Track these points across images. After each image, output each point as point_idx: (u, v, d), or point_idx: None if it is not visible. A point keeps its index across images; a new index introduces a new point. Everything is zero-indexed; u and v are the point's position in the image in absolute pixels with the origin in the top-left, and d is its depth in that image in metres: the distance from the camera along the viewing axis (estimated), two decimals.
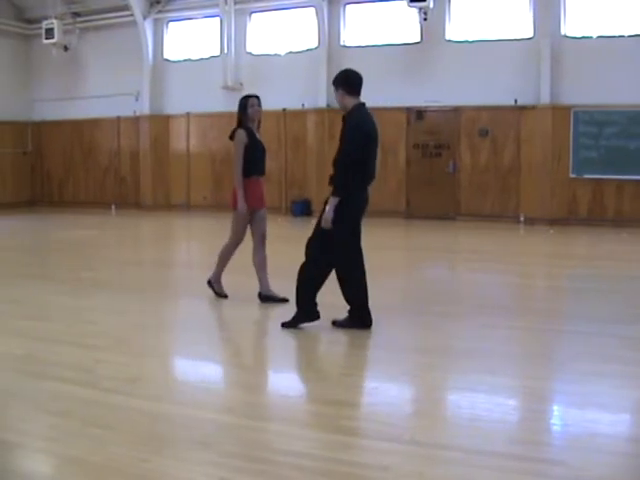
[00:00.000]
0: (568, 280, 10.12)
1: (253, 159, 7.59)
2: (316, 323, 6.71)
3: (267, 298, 7.67)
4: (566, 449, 4.06)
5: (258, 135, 7.75)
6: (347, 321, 6.70)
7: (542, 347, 6.25)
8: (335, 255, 6.58)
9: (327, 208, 6.40)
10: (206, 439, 4.14)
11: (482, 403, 4.78)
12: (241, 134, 7.53)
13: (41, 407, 4.66)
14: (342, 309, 6.70)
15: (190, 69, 19.31)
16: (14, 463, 3.97)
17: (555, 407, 4.95)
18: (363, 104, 6.59)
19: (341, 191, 6.36)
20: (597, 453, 3.94)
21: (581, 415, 4.56)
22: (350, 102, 6.54)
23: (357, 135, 6.41)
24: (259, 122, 7.79)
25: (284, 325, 6.67)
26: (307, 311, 6.65)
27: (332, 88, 6.77)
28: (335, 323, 6.72)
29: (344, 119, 6.55)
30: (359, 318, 6.67)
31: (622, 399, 4.85)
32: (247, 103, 7.60)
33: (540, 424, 4.48)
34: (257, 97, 7.73)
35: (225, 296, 7.89)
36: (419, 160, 16.97)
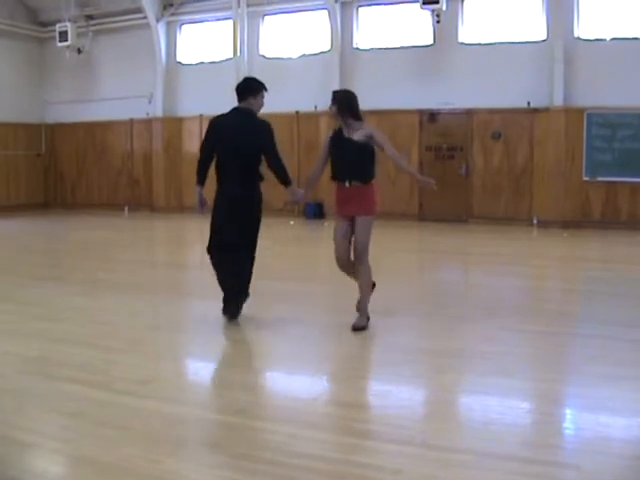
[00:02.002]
0: (582, 283, 10.08)
1: (332, 161, 6.99)
2: (330, 326, 6.73)
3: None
4: (579, 453, 4.05)
5: (351, 133, 6.80)
6: None
7: (555, 350, 6.23)
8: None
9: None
10: (218, 441, 4.15)
11: (495, 406, 4.77)
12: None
13: (54, 408, 4.69)
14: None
15: (203, 71, 19.36)
16: (27, 463, 3.99)
17: (568, 410, 4.93)
18: (235, 108, 7.09)
19: (197, 179, 7.24)
20: (610, 457, 3.92)
21: (594, 419, 4.53)
22: None
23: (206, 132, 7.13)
24: (344, 121, 6.86)
25: None
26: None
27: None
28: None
29: None
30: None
31: (636, 403, 4.83)
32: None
33: (553, 427, 4.47)
34: (334, 92, 7.08)
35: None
36: (432, 162, 16.93)
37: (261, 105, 7.13)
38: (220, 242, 7.05)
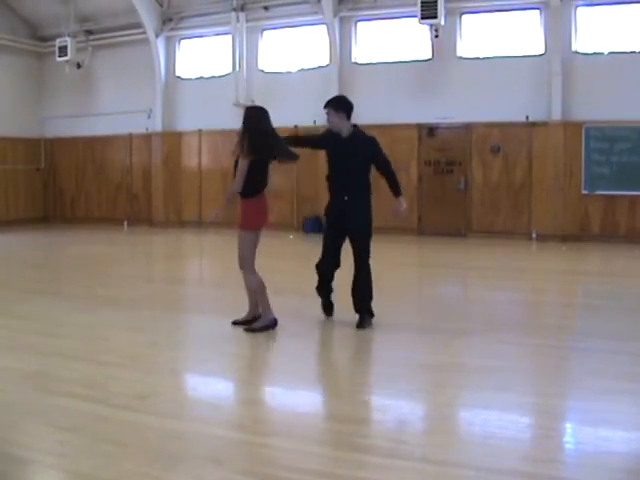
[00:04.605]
0: (581, 297, 10.08)
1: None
2: (330, 341, 6.75)
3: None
4: (579, 467, 4.03)
5: None
6: None
7: (555, 364, 6.22)
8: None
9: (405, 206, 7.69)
10: (218, 456, 4.13)
11: (494, 420, 4.76)
12: None
13: (52, 423, 4.67)
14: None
15: (202, 86, 19.40)
16: (25, 479, 3.97)
17: (568, 425, 4.91)
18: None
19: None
20: (610, 471, 3.91)
21: (594, 433, 4.52)
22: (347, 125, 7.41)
23: None
24: None
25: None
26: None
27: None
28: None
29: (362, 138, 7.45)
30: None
31: (636, 416, 4.82)
32: None
33: (553, 442, 4.45)
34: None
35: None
36: (430, 177, 16.96)
37: (330, 121, 7.51)
38: None
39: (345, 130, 7.34)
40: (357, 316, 7.29)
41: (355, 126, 7.43)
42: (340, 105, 7.40)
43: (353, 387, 5.68)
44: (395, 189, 7.50)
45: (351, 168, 7.26)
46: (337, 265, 7.39)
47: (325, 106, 7.45)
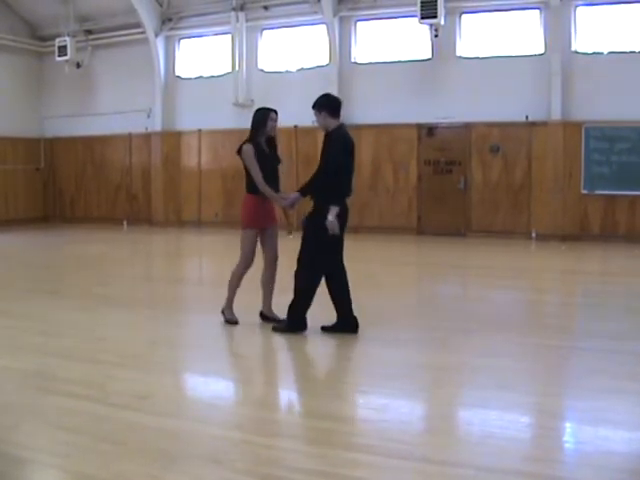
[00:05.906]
0: (581, 296, 10.07)
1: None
2: (329, 340, 6.74)
3: (267, 318, 7.58)
4: (579, 467, 4.03)
5: (268, 150, 7.60)
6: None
7: (555, 364, 6.22)
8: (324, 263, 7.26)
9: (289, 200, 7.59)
10: (217, 456, 4.13)
11: (494, 420, 4.75)
12: (249, 150, 7.31)
13: (52, 423, 4.66)
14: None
15: (202, 86, 19.40)
16: (25, 479, 3.96)
17: (568, 424, 4.91)
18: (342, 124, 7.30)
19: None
20: (610, 471, 3.90)
21: (594, 432, 4.52)
22: (333, 123, 7.21)
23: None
24: (274, 137, 7.65)
25: (275, 329, 7.17)
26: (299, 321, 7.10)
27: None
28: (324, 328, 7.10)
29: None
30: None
31: (636, 416, 4.81)
32: (267, 117, 7.47)
33: (553, 441, 4.45)
34: (275, 111, 7.62)
35: (236, 322, 7.55)
36: (430, 176, 16.95)
37: (317, 122, 7.51)
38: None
39: (332, 128, 7.22)
40: (356, 318, 7.19)
41: (342, 124, 7.30)
42: (322, 105, 7.32)
43: (353, 387, 5.67)
44: (303, 187, 7.55)
45: (321, 165, 7.22)
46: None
47: (312, 108, 7.44)
